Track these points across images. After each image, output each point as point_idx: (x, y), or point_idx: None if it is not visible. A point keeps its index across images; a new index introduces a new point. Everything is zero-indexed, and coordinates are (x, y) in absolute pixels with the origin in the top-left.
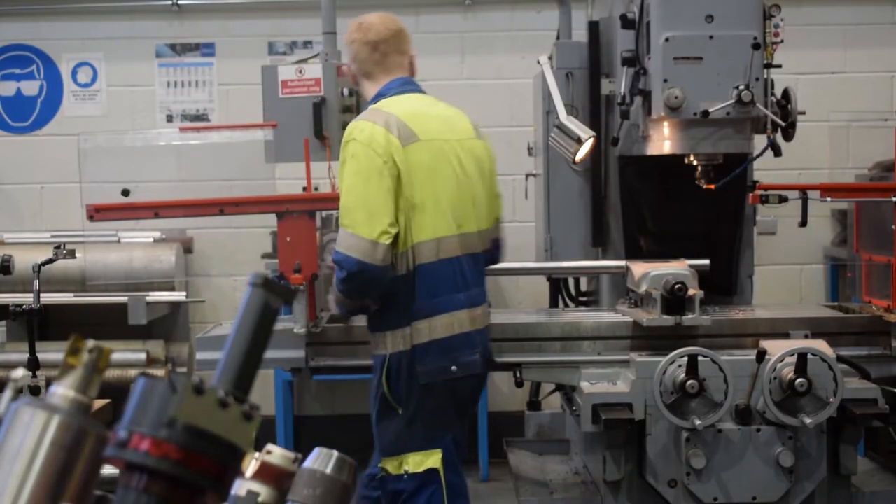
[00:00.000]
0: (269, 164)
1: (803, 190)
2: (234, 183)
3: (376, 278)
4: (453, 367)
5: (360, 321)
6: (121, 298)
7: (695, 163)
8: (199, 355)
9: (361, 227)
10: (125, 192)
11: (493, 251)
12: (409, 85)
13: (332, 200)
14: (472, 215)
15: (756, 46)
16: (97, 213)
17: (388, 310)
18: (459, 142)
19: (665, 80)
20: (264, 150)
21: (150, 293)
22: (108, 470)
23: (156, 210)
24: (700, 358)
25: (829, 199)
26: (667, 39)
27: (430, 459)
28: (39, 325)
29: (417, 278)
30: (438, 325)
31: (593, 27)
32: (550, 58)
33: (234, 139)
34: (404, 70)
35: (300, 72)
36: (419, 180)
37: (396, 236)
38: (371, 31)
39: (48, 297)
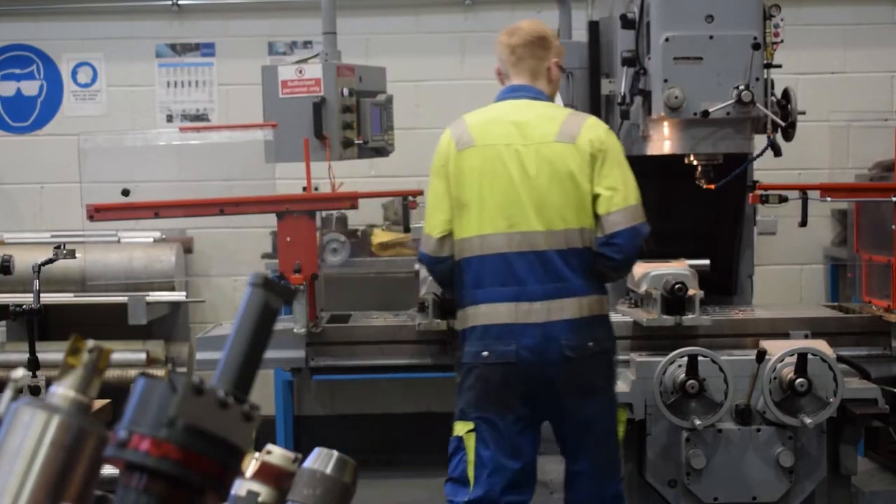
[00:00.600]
0: (269, 164)
1: (803, 190)
2: (234, 183)
3: (430, 266)
4: (484, 353)
5: (361, 321)
6: (121, 298)
7: (695, 163)
8: (199, 355)
9: (425, 223)
10: (125, 192)
11: (602, 250)
12: (515, 91)
13: (332, 200)
14: (531, 216)
15: (756, 46)
16: (97, 213)
17: (457, 293)
18: (528, 147)
19: (665, 80)
20: (264, 150)
21: (150, 293)
22: (108, 470)
23: (156, 210)
24: (700, 358)
25: (829, 199)
26: (667, 39)
27: (462, 429)
28: (39, 325)
29: (464, 270)
30: (479, 313)
31: (593, 27)
32: None
33: (234, 139)
34: (537, 76)
35: (300, 72)
36: (468, 182)
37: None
38: (514, 36)
39: (48, 297)
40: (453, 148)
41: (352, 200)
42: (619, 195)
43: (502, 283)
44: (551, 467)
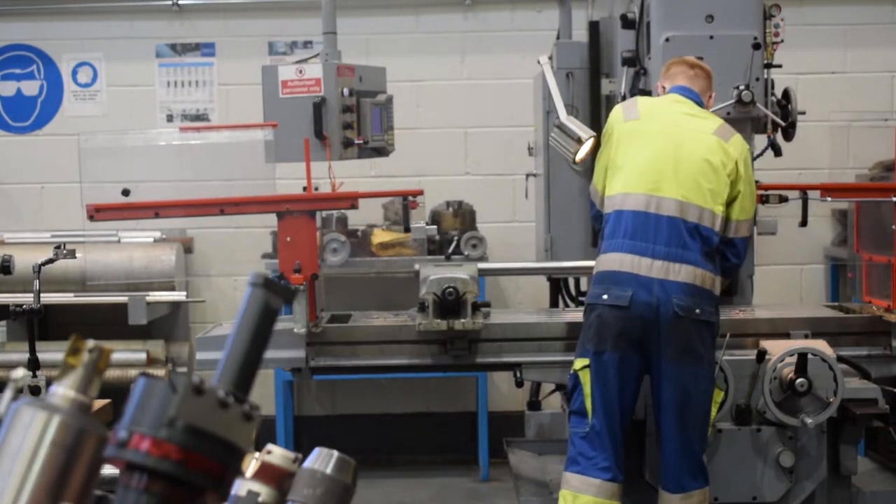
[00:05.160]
0: (269, 164)
1: (803, 190)
2: (235, 183)
3: (593, 212)
4: (604, 296)
5: (361, 321)
6: (121, 298)
7: None
8: (199, 355)
9: (596, 178)
10: (125, 192)
11: (728, 247)
12: (684, 90)
13: (332, 200)
14: (675, 185)
15: (756, 46)
16: (97, 213)
17: (599, 242)
18: (686, 131)
19: None
20: (264, 150)
21: (150, 293)
22: (108, 470)
23: (156, 210)
24: None
25: (829, 199)
26: (667, 39)
27: (579, 364)
28: (39, 325)
29: (607, 222)
30: (609, 259)
31: (593, 27)
32: (550, 58)
33: (234, 139)
34: (703, 93)
35: (300, 72)
36: (624, 148)
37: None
38: (691, 61)
39: (48, 297)
40: (621, 117)
41: (352, 200)
42: (750, 208)
43: (633, 237)
44: (551, 467)
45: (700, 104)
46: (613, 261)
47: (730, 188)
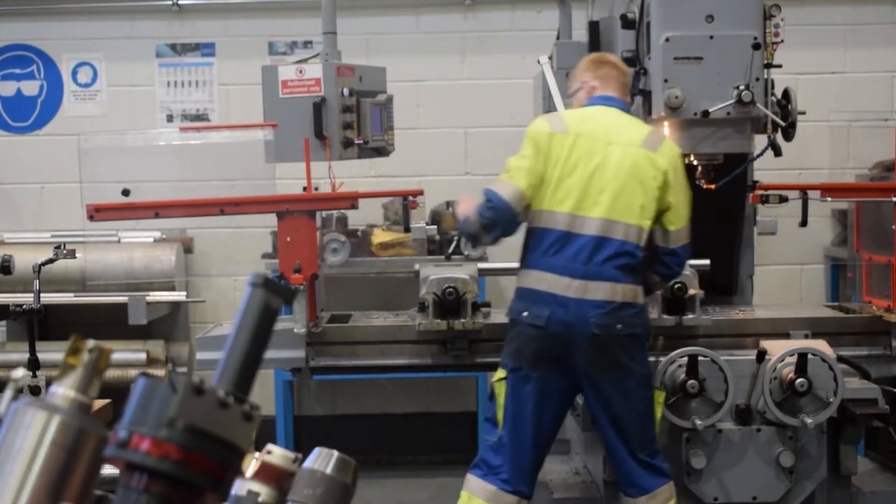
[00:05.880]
0: (269, 164)
1: (803, 190)
2: (235, 183)
3: (500, 208)
4: (525, 313)
5: (361, 321)
6: (121, 298)
7: (695, 163)
8: (199, 355)
9: (513, 173)
10: (125, 193)
11: (666, 258)
12: (607, 100)
13: (332, 200)
14: (601, 204)
15: (756, 46)
16: (97, 213)
17: (521, 256)
18: (615, 145)
19: (665, 80)
20: (264, 150)
21: (150, 293)
22: (108, 470)
23: (156, 210)
24: (700, 358)
25: (829, 199)
26: (667, 39)
27: (497, 376)
28: (39, 325)
29: (530, 237)
30: (530, 277)
31: (593, 27)
32: (550, 58)
33: (233, 139)
34: (624, 94)
35: (300, 72)
36: (552, 163)
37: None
38: (603, 59)
39: (48, 297)
40: (546, 129)
41: (352, 200)
42: (685, 214)
43: (554, 255)
44: (550, 467)
45: (625, 109)
46: (534, 278)
47: (658, 202)
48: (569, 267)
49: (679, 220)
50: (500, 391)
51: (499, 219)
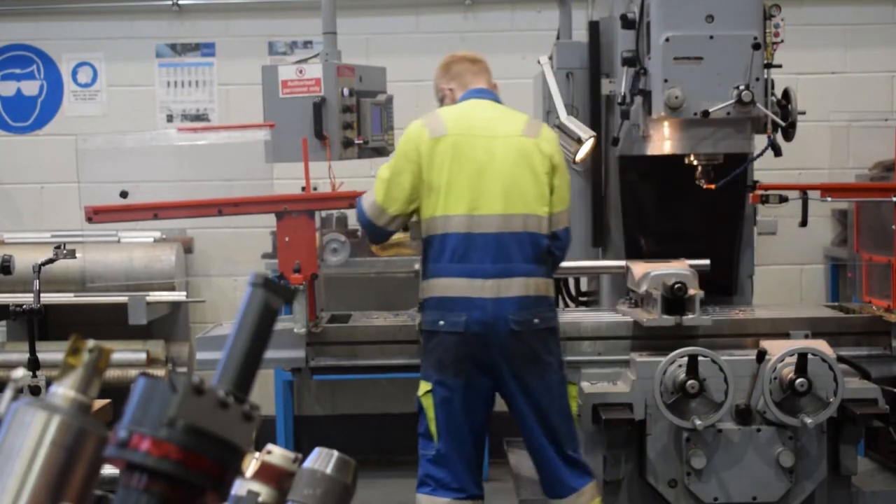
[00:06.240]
0: (268, 164)
1: (803, 190)
2: (234, 183)
3: (372, 230)
4: (441, 322)
5: (361, 321)
6: (121, 298)
7: (695, 163)
8: (199, 355)
9: (380, 193)
10: (123, 194)
11: (553, 241)
12: (480, 93)
13: (332, 200)
14: (495, 199)
15: (756, 46)
16: (96, 215)
17: (422, 267)
18: (497, 138)
19: (665, 80)
20: (264, 150)
21: (150, 293)
22: (108, 470)
23: (155, 211)
24: (700, 358)
25: (829, 199)
26: (667, 39)
27: (422, 390)
28: (39, 325)
29: (429, 246)
30: (438, 285)
31: (593, 27)
32: (550, 58)
33: (233, 139)
34: (491, 86)
35: (300, 72)
36: (438, 167)
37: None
38: (465, 55)
39: (48, 297)
40: (426, 135)
41: (351, 200)
42: (567, 197)
43: (460, 259)
44: None
45: (497, 100)
46: (444, 286)
47: (549, 186)
48: (478, 268)
49: (561, 202)
50: (428, 404)
51: (364, 227)
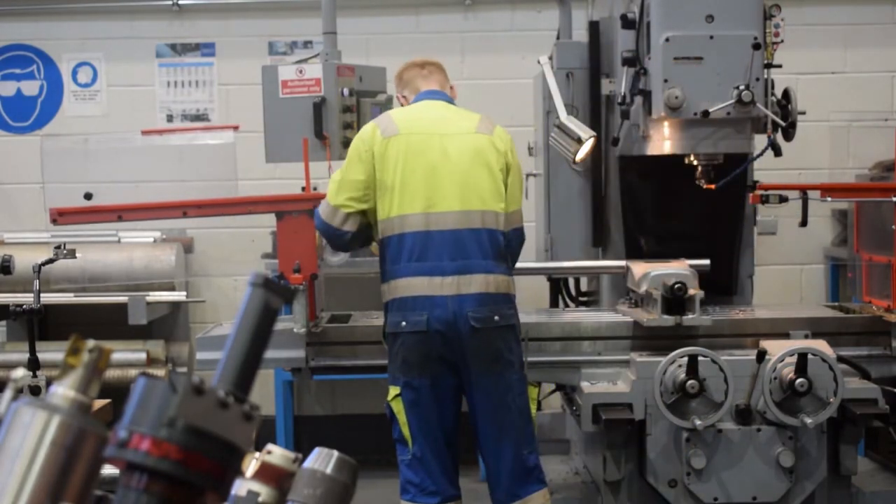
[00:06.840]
0: (232, 165)
1: (803, 190)
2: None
3: (330, 235)
4: (403, 323)
5: (361, 321)
6: (121, 298)
7: (695, 163)
8: (199, 355)
9: (333, 195)
10: (88, 196)
11: (510, 235)
12: (432, 94)
13: None
14: (451, 197)
15: (756, 46)
16: (60, 216)
17: (381, 269)
18: (450, 135)
19: (665, 80)
20: (264, 150)
21: (150, 293)
22: (108, 470)
23: (119, 213)
24: (700, 358)
25: (829, 199)
26: (667, 39)
27: (391, 394)
28: (39, 325)
29: (387, 247)
30: (399, 286)
31: (593, 27)
32: (550, 58)
33: (196, 141)
34: (445, 88)
35: (300, 72)
36: (391, 167)
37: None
38: (417, 61)
39: (48, 297)
40: (378, 135)
41: None
42: (520, 196)
43: (419, 258)
44: (550, 467)
45: (450, 101)
46: (404, 286)
47: (505, 183)
48: (436, 266)
49: (515, 201)
50: (399, 409)
51: (321, 231)
